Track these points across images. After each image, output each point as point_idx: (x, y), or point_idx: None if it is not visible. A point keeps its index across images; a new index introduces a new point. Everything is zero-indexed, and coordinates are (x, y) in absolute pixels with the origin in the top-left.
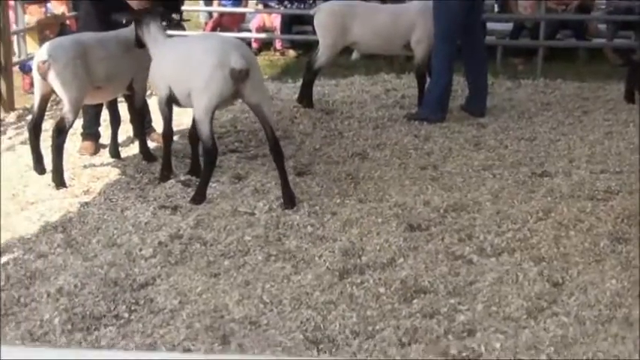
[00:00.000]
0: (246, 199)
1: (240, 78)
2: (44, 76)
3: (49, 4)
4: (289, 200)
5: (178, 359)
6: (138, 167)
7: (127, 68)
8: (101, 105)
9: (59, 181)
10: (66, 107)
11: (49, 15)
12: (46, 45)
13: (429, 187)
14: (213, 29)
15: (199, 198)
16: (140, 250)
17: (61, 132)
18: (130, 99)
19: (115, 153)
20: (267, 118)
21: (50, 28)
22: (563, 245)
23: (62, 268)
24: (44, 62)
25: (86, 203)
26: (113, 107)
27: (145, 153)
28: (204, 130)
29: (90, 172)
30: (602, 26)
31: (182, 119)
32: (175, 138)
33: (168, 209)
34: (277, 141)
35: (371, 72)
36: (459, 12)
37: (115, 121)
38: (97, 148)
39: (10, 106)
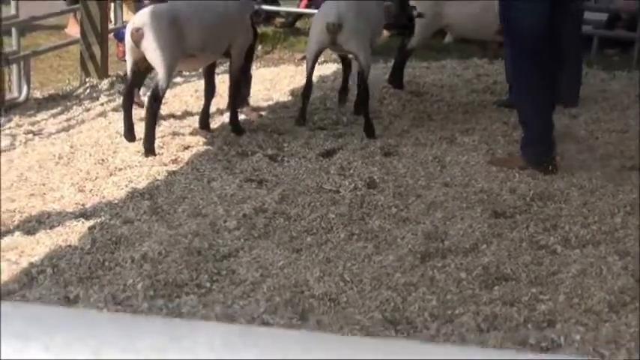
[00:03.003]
0: (332, 176)
1: (333, 30)
2: (137, 44)
3: None
4: (369, 131)
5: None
6: (226, 139)
7: (222, 36)
8: None
9: (150, 148)
10: (159, 75)
11: None
12: (140, 12)
13: (516, 174)
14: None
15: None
16: (224, 221)
17: (155, 99)
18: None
19: (204, 124)
20: (361, 65)
21: None
22: None
23: (147, 234)
24: (137, 30)
25: (173, 172)
26: (210, 77)
27: (235, 126)
28: (307, 68)
29: (178, 141)
30: None
31: (271, 94)
32: (264, 113)
33: (254, 182)
34: (366, 87)
35: (463, 56)
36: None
37: (210, 92)
38: None
39: (104, 73)
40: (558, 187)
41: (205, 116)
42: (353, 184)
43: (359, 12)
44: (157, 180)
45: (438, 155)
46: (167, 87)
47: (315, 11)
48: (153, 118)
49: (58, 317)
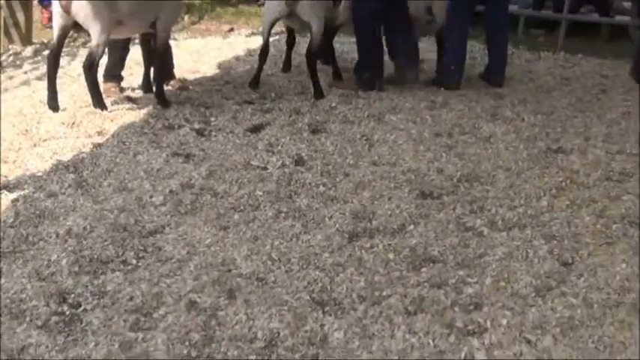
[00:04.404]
0: (260, 152)
1: (291, 3)
2: (66, 10)
3: None
4: (318, 94)
5: None
6: (152, 112)
7: (150, 6)
8: (127, 49)
9: (99, 104)
10: (93, 41)
11: None
12: None
13: (444, 154)
14: None
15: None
16: (151, 196)
17: (91, 65)
18: (153, 38)
19: (147, 88)
20: (313, 34)
21: None
22: (575, 225)
23: (72, 209)
24: None
25: (99, 144)
26: (146, 45)
27: (160, 98)
28: (263, 35)
29: (104, 112)
30: (627, 3)
31: (198, 66)
32: (191, 86)
33: (181, 157)
34: (312, 53)
35: None
36: None
37: (148, 59)
38: (121, 90)
39: (27, 40)
40: (485, 169)
41: (147, 79)
42: (281, 161)
43: None
44: (82, 152)
45: (366, 133)
46: (102, 53)
47: None
48: (94, 82)
49: None
